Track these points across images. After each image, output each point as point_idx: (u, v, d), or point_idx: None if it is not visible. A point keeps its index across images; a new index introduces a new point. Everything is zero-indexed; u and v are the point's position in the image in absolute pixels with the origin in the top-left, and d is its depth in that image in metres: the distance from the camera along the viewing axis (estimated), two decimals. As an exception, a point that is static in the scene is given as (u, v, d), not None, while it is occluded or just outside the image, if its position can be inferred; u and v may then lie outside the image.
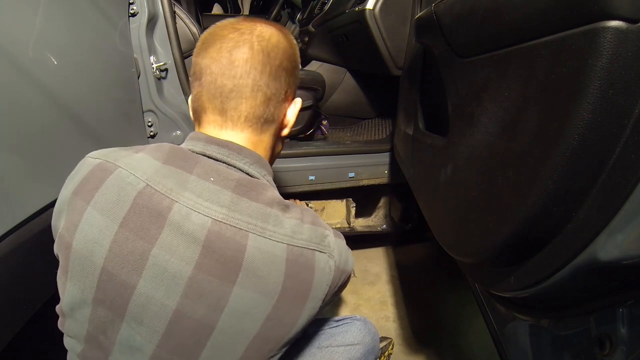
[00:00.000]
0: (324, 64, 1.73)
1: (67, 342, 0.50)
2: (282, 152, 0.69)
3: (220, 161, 0.50)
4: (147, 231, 0.43)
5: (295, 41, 0.59)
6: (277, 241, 0.46)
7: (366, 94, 1.74)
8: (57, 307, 0.50)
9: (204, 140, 0.51)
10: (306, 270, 0.47)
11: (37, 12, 0.67)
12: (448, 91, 0.68)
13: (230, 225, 0.44)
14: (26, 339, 0.69)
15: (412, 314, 1.30)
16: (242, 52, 0.50)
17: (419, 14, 0.74)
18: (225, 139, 0.52)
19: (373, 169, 1.35)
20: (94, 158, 0.49)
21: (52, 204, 0.68)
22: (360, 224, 1.46)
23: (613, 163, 0.37)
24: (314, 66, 1.74)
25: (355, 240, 1.60)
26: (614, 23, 0.34)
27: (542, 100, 0.42)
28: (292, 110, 0.58)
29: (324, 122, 1.60)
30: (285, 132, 0.60)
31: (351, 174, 1.33)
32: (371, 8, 1.21)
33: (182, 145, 0.52)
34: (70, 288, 0.45)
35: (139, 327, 0.44)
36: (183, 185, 0.45)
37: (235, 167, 0.50)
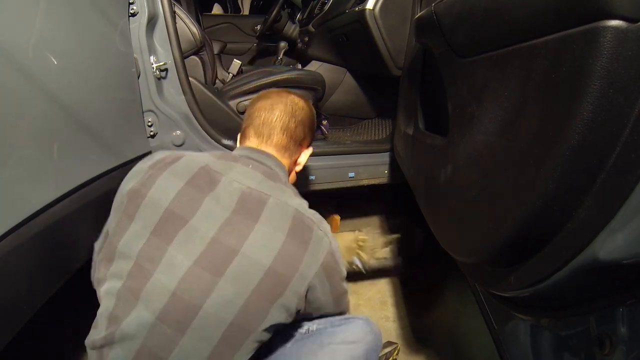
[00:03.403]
0: (324, 64, 1.73)
1: (106, 287, 0.61)
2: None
3: (257, 161, 0.74)
4: (203, 188, 0.64)
5: (314, 110, 0.87)
6: (289, 204, 0.65)
7: (366, 94, 1.74)
8: (96, 259, 0.67)
9: (249, 149, 0.77)
10: (306, 231, 0.64)
11: (37, 13, 0.67)
12: (448, 91, 0.69)
13: (258, 191, 0.66)
14: (27, 339, 0.69)
15: (412, 314, 1.30)
16: (279, 107, 0.79)
17: (419, 14, 0.74)
18: None
19: (373, 169, 1.35)
20: (161, 153, 0.71)
21: (52, 204, 0.68)
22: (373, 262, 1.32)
23: (613, 163, 0.37)
24: (314, 66, 1.74)
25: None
26: (614, 22, 0.34)
27: (542, 100, 0.42)
28: (306, 153, 0.86)
29: (324, 122, 1.60)
30: (298, 168, 0.87)
31: (351, 174, 1.33)
32: (371, 8, 1.20)
33: (232, 152, 0.77)
34: (133, 227, 0.62)
35: (184, 249, 0.60)
36: (230, 169, 0.68)
37: (266, 165, 0.74)
